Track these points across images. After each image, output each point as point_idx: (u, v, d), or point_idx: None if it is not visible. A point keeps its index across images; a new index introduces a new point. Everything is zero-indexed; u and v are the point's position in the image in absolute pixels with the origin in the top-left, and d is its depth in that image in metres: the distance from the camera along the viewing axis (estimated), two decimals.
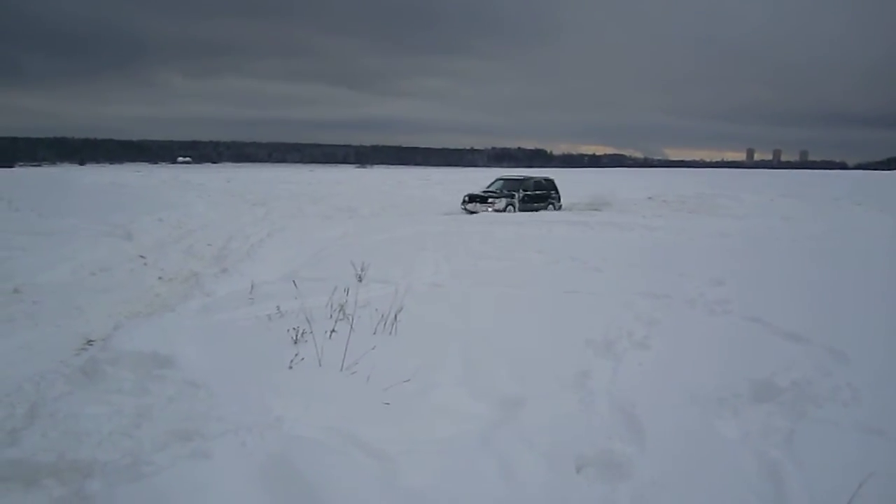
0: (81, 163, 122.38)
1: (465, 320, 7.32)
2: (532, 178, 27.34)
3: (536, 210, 24.62)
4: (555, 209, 26.04)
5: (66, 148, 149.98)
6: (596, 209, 26.36)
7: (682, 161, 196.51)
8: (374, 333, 6.59)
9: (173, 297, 8.99)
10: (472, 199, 24.89)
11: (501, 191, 25.72)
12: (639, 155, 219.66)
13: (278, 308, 7.14)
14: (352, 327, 6.19)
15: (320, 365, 5.53)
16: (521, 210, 24.50)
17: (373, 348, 5.56)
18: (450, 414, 4.81)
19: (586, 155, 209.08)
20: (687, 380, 5.57)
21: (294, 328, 6.18)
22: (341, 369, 5.45)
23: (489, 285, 9.29)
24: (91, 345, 6.53)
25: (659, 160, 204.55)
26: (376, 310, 6.81)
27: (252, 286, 8.55)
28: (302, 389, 4.80)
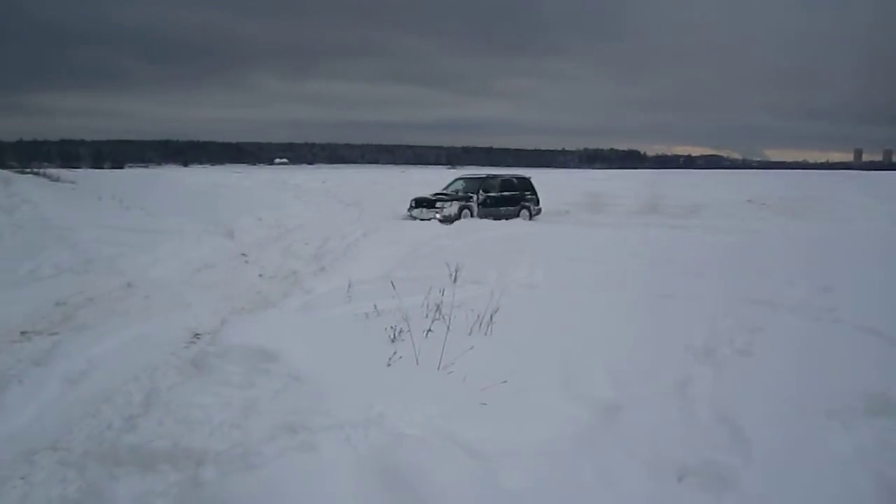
0: (185, 164, 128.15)
1: (560, 322, 7.26)
2: (499, 176, 23.03)
3: (503, 217, 20.29)
4: (530, 215, 22.09)
5: (171, 150, 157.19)
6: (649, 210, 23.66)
7: (782, 162, 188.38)
8: (470, 334, 6.62)
9: (274, 294, 9.29)
10: (419, 203, 20.69)
11: (456, 192, 21.47)
12: (737, 156, 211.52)
13: (375, 307, 7.27)
14: (448, 327, 6.24)
15: (418, 364, 5.61)
16: (481, 216, 20.18)
17: (470, 349, 5.59)
18: (547, 417, 4.78)
19: (681, 156, 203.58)
20: (793, 390, 5.35)
21: (391, 327, 6.29)
22: (438, 368, 5.50)
23: (584, 288, 9.19)
24: (198, 338, 6.83)
25: (758, 161, 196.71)
26: (472, 310, 6.84)
27: (349, 285, 8.72)
28: (401, 387, 4.87)
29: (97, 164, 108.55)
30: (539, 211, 22.58)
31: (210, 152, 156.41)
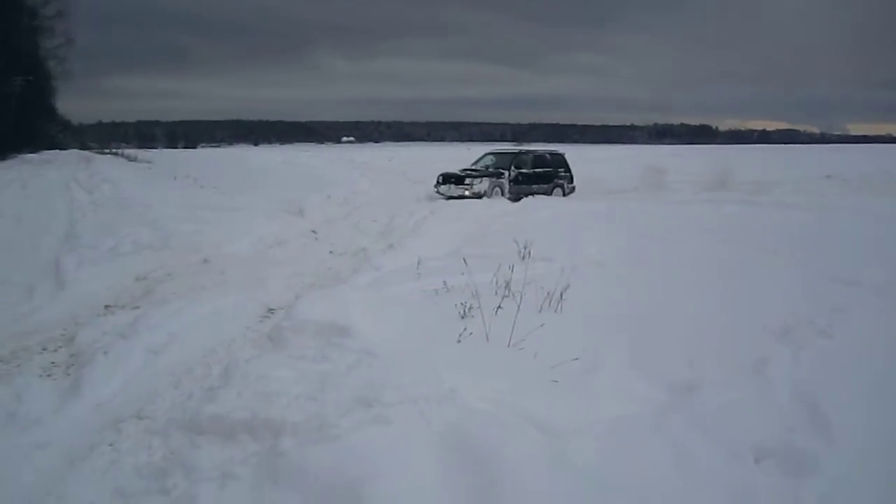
0: (255, 143, 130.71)
1: (631, 300, 7.16)
2: (532, 151, 21.70)
3: (536, 193, 19.46)
4: (563, 193, 20.90)
5: (242, 129, 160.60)
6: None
7: (865, 136, 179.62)
8: (540, 311, 6.59)
9: (344, 270, 9.43)
10: (447, 179, 19.35)
11: (486, 168, 20.15)
12: (815, 130, 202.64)
13: (445, 283, 7.30)
14: (518, 305, 6.22)
15: (488, 340, 5.61)
16: (513, 194, 19.26)
17: (540, 326, 5.56)
18: (619, 395, 4.73)
19: (755, 131, 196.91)
20: (877, 373, 5.17)
21: (461, 303, 6.31)
22: (508, 345, 5.50)
23: (655, 265, 9.02)
24: (272, 313, 6.99)
25: (838, 136, 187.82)
26: (542, 287, 6.79)
27: (418, 261, 8.76)
28: (471, 363, 4.88)
29: (171, 143, 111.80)
30: (573, 189, 21.31)
31: (279, 131, 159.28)
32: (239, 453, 3.79)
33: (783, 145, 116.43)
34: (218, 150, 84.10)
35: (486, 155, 21.34)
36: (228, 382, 4.45)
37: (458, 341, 5.49)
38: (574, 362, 5.09)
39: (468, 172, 19.43)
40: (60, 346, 5.89)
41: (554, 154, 21.74)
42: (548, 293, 6.75)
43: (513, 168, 19.72)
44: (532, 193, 19.22)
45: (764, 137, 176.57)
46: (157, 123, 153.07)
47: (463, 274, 7.07)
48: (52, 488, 3.82)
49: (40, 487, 3.85)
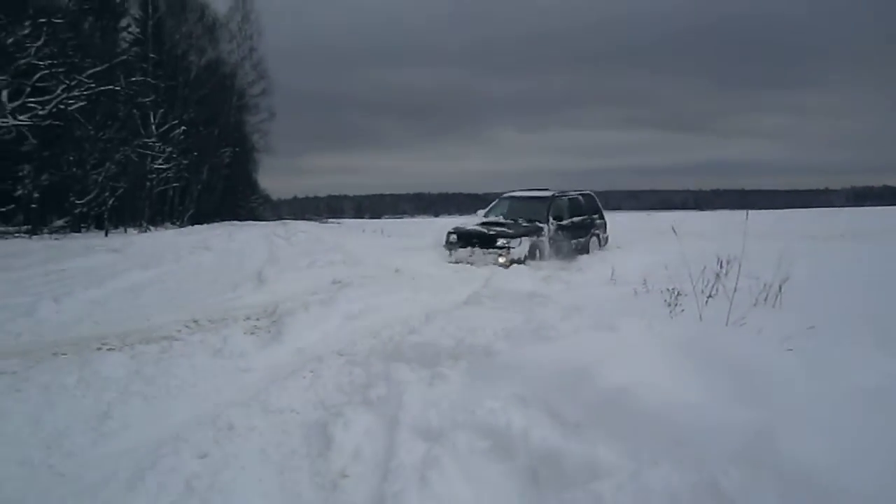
0: (436, 215, 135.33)
1: (846, 297, 6.34)
2: (565, 193, 15.10)
3: (574, 252, 13.83)
4: (599, 244, 15.66)
5: (423, 202, 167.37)
6: None
7: None
8: (755, 305, 5.94)
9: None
10: (466, 240, 13.06)
11: (516, 222, 13.73)
12: None
13: (644, 282, 6.85)
14: (731, 301, 5.66)
15: (701, 319, 5.11)
16: (553, 252, 13.30)
17: (753, 305, 4.98)
18: (865, 366, 4.05)
19: None
20: None
21: (668, 290, 5.84)
22: (727, 324, 4.95)
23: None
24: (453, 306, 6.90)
25: None
26: (758, 279, 6.15)
27: (612, 272, 8.40)
28: (684, 330, 4.43)
29: (358, 215, 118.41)
30: (607, 239, 16.31)
31: (458, 202, 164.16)
32: (445, 368, 3.59)
33: None
34: (402, 219, 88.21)
35: (500, 200, 15.49)
36: (430, 323, 4.36)
37: (671, 317, 5.01)
38: (807, 335, 4.45)
39: (500, 231, 12.95)
40: (261, 318, 6.07)
41: (586, 196, 16.17)
42: (765, 285, 6.08)
43: (551, 220, 13.75)
44: (570, 253, 13.66)
45: None
46: (345, 198, 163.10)
47: (668, 279, 6.58)
48: (255, 396, 3.86)
49: (245, 395, 3.91)
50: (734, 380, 2.66)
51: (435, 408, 3.15)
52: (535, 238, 13.03)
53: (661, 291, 5.86)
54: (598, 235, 15.62)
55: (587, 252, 14.45)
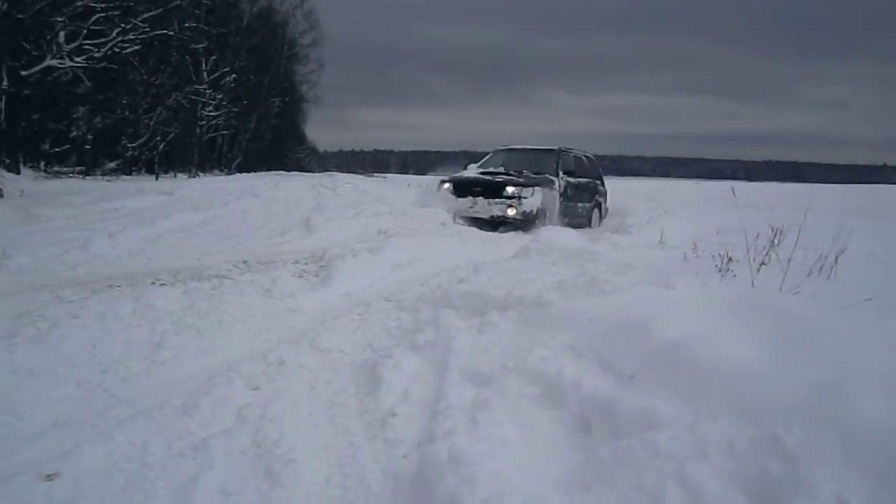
0: None
1: None
2: (571, 150, 12.82)
3: (578, 218, 12.09)
4: (600, 217, 13.39)
5: (469, 160, 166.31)
6: None
7: None
8: (809, 275, 5.79)
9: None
10: (463, 187, 11.30)
11: (522, 173, 11.39)
12: None
13: (695, 246, 6.73)
14: (785, 270, 5.52)
15: (753, 286, 5.00)
16: (562, 213, 11.41)
17: (808, 275, 4.85)
18: None
19: None
20: None
21: (718, 254, 5.72)
22: (780, 290, 4.84)
23: None
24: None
25: None
26: (813, 249, 5.98)
27: (661, 236, 8.26)
28: (731, 289, 4.35)
29: (402, 171, 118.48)
30: (607, 211, 13.93)
31: None
32: (494, 316, 3.58)
33: None
34: None
35: (495, 154, 13.11)
36: (478, 273, 4.34)
37: (721, 280, 4.91)
38: (864, 307, 4.32)
39: (505, 177, 11.13)
40: (309, 262, 6.12)
41: (589, 158, 13.76)
42: (820, 255, 5.92)
43: (561, 174, 11.73)
44: (576, 217, 11.95)
45: None
46: (391, 153, 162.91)
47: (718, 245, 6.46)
48: (304, 335, 3.93)
49: (294, 334, 3.98)
50: (793, 339, 2.60)
51: (484, 353, 3.16)
52: (547, 190, 11.09)
53: (712, 256, 5.77)
54: (600, 206, 13.45)
55: (589, 224, 12.49)
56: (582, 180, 12.56)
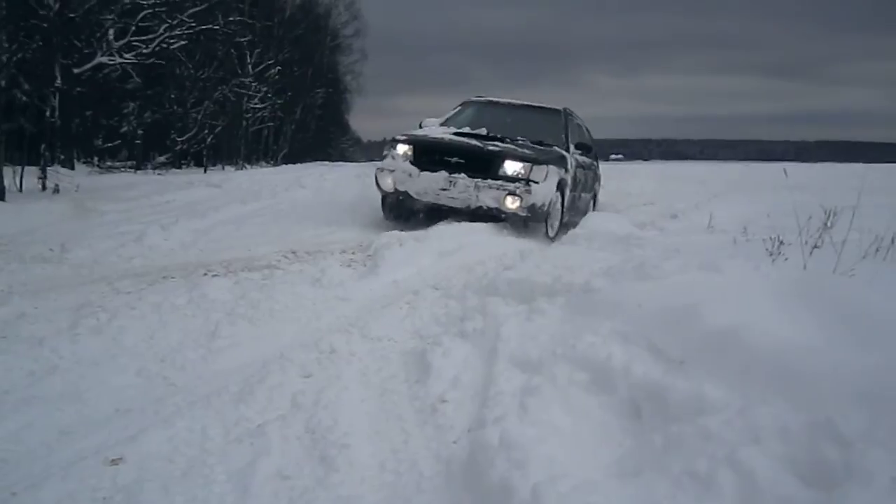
0: None
1: None
2: (574, 116, 9.41)
3: (580, 214, 8.74)
4: (593, 205, 10.35)
5: None
6: None
7: None
8: (864, 257, 5.66)
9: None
10: (430, 153, 7.31)
11: (515, 141, 7.67)
12: None
13: (745, 229, 6.63)
14: (839, 253, 5.42)
15: (805, 269, 4.92)
16: (570, 204, 8.22)
17: (863, 257, 4.75)
18: None
19: None
20: None
21: (770, 238, 5.63)
22: (833, 272, 4.75)
23: None
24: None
25: None
26: (869, 231, 5.85)
27: (710, 220, 8.16)
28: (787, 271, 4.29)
29: None
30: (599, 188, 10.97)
31: None
32: (542, 303, 3.61)
33: None
34: None
35: (464, 107, 9.25)
36: (525, 260, 4.37)
37: (772, 262, 4.84)
38: None
39: (500, 146, 7.46)
40: (356, 252, 6.19)
41: (587, 128, 10.43)
42: (876, 237, 5.78)
43: (572, 147, 8.44)
44: (577, 215, 8.55)
45: None
46: None
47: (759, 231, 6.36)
48: (354, 323, 4.01)
49: (344, 322, 4.08)
50: (849, 324, 2.56)
51: (533, 340, 3.18)
52: (563, 173, 7.70)
53: (763, 240, 5.69)
54: (595, 199, 10.53)
55: (584, 213, 8.97)
56: (586, 160, 9.23)
